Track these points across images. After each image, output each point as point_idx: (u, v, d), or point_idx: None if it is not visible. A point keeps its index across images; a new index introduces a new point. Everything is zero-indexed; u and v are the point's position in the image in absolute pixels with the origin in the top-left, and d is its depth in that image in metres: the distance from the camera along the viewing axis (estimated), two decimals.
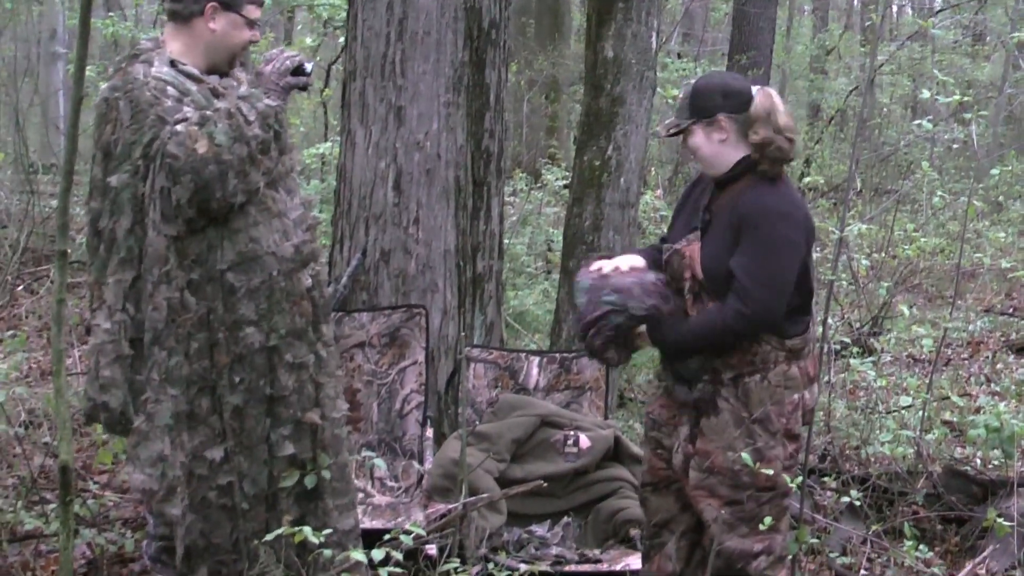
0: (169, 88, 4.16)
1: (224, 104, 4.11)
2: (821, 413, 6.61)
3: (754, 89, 4.26)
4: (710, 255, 4.19)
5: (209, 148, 4.00)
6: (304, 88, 4.29)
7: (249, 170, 4.06)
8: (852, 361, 7.23)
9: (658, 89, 7.97)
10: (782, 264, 4.13)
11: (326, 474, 4.33)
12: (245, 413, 4.19)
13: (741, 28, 14.45)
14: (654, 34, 6.95)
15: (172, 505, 4.24)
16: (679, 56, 19.89)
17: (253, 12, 4.30)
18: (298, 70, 4.20)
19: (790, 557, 4.63)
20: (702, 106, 4.23)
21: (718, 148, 4.24)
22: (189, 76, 4.25)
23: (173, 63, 4.26)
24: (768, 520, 4.22)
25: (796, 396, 4.26)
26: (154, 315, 4.17)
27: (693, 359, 4.27)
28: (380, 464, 4.79)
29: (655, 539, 4.56)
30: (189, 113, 4.09)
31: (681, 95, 4.31)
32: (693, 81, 4.31)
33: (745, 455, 4.14)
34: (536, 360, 6.15)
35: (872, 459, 6.53)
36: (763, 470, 4.16)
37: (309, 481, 4.30)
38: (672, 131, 4.30)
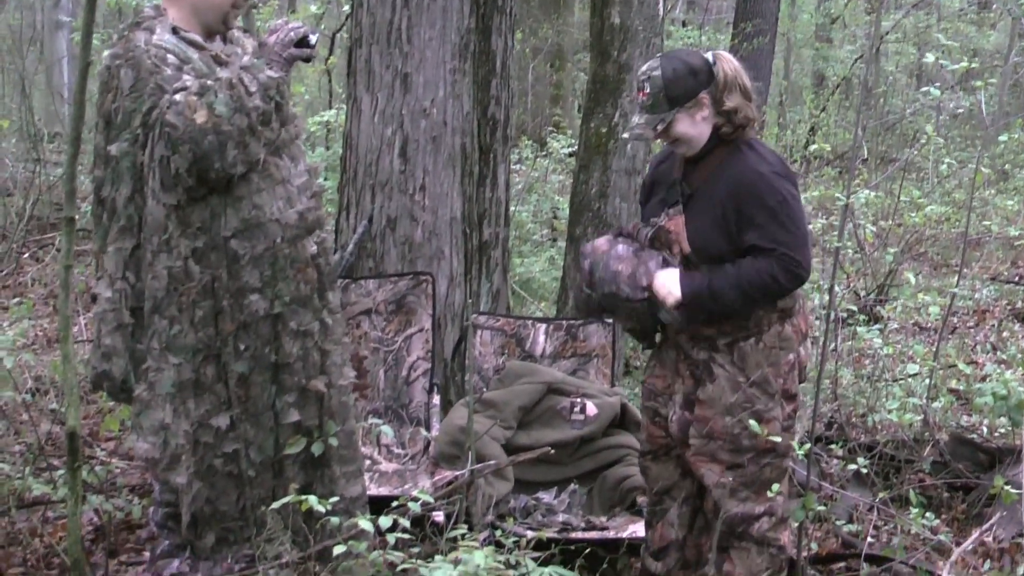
0: (170, 56, 4.15)
1: (226, 74, 4.08)
2: (828, 381, 6.61)
3: (709, 56, 4.26)
4: (697, 229, 4.21)
5: (208, 118, 3.98)
6: (308, 60, 4.25)
7: (249, 141, 4.04)
8: (859, 329, 7.22)
9: None
10: (801, 218, 4.17)
11: (333, 441, 4.33)
12: (250, 381, 4.20)
13: None
14: (660, 1, 6.92)
15: (177, 473, 4.24)
16: (684, 24, 19.83)
17: None
18: (302, 42, 4.17)
19: (796, 524, 4.64)
20: (680, 93, 4.19)
21: (702, 127, 4.23)
22: (191, 43, 4.24)
23: (175, 30, 4.25)
24: (775, 487, 4.24)
25: (791, 355, 4.28)
26: (154, 284, 4.18)
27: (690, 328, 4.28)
28: (387, 431, 4.78)
29: (657, 506, 4.58)
30: (189, 82, 4.07)
31: (645, 92, 4.22)
32: (648, 76, 4.21)
33: (753, 423, 4.16)
34: (543, 327, 6.14)
35: (879, 427, 6.53)
36: (768, 436, 4.18)
37: (316, 448, 4.31)
38: (660, 130, 4.22)
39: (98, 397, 6.51)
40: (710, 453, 4.28)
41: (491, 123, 6.28)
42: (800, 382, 4.37)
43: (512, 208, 7.74)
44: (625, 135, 4.33)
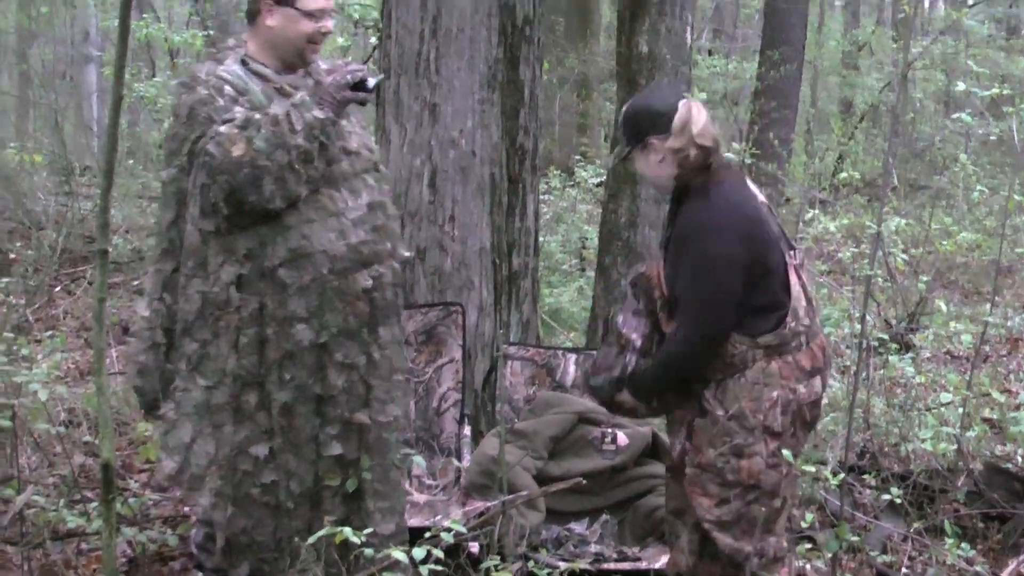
0: (227, 87, 4.21)
1: (275, 109, 4.12)
2: (860, 410, 6.57)
3: (680, 103, 4.25)
4: (667, 273, 4.24)
5: (246, 151, 4.03)
6: (363, 103, 4.26)
7: (288, 177, 4.07)
8: (890, 358, 7.18)
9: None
10: (718, 280, 4.12)
11: (367, 476, 4.34)
12: (294, 411, 4.22)
13: (772, 24, 14.42)
14: (688, 29, 6.93)
15: (200, 494, 4.28)
16: (710, 53, 19.85)
17: (310, 3, 4.26)
18: (359, 85, 4.18)
19: (830, 555, 4.61)
20: (634, 132, 4.25)
21: (657, 169, 4.26)
22: (258, 75, 4.27)
23: (244, 62, 4.30)
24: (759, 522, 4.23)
25: (776, 392, 4.21)
26: (186, 306, 4.24)
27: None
28: (419, 462, 4.78)
29: (672, 528, 4.56)
30: (237, 114, 4.11)
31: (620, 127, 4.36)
32: (623, 111, 4.35)
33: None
34: (572, 357, 6.14)
35: (912, 456, 6.49)
36: (759, 469, 4.20)
37: (351, 484, 4.31)
38: (616, 160, 4.42)
39: (132, 428, 6.53)
40: (701, 484, 4.27)
41: (520, 153, 6.28)
42: (811, 419, 4.34)
43: (541, 238, 7.75)
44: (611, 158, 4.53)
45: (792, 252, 4.29)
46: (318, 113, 4.11)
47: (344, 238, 4.20)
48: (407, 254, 4.63)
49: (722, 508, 4.24)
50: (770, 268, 4.19)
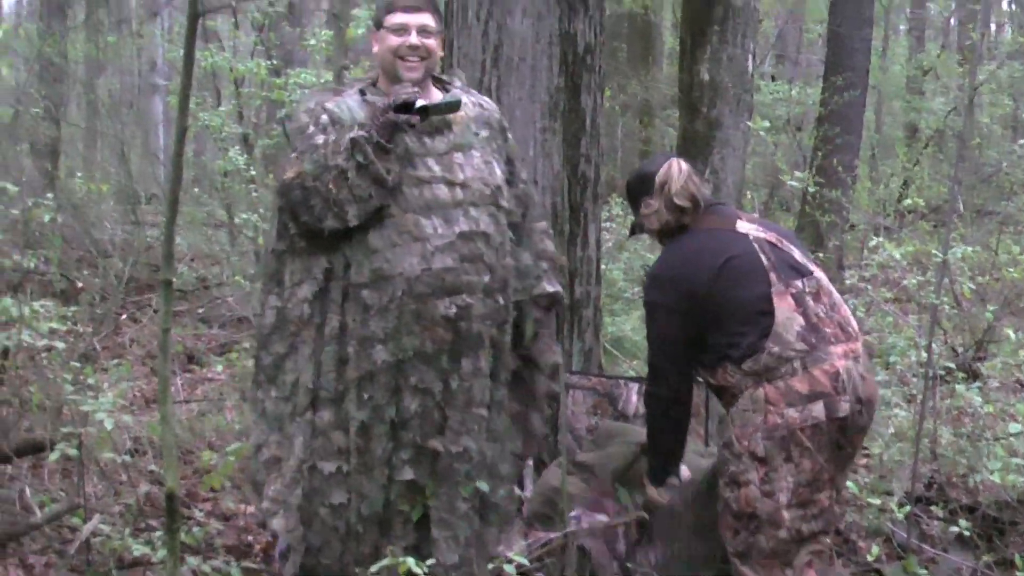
0: (324, 116, 4.37)
1: (332, 135, 4.22)
2: (927, 440, 6.50)
3: (663, 165, 4.57)
4: None
5: (297, 174, 4.20)
6: (410, 125, 4.27)
7: (337, 197, 4.14)
8: (957, 387, 7.10)
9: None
10: (657, 328, 4.50)
11: (434, 504, 4.35)
12: (370, 432, 4.27)
13: (836, 49, 14.31)
14: (750, 56, 6.92)
15: (264, 503, 4.43)
16: (773, 78, 19.77)
17: (393, 19, 4.42)
18: (404, 106, 4.20)
19: None
20: (632, 198, 4.64)
21: (654, 228, 4.60)
22: (372, 104, 4.37)
23: (362, 92, 4.45)
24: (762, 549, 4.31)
25: (760, 417, 4.26)
26: (263, 321, 4.41)
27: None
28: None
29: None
30: (318, 140, 4.20)
31: None
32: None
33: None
34: (635, 387, 6.10)
35: (981, 487, 6.40)
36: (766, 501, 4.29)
37: (415, 511, 4.33)
38: (632, 232, 4.82)
39: (197, 457, 6.58)
40: (721, 515, 4.42)
41: (581, 181, 6.27)
42: (842, 443, 4.33)
43: (603, 266, 7.73)
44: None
45: (799, 280, 4.37)
46: (361, 133, 4.18)
47: (426, 264, 4.25)
48: (550, 289, 4.72)
49: (736, 538, 4.35)
50: (730, 304, 4.34)
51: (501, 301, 4.43)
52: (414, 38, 4.38)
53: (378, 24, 4.47)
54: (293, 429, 4.36)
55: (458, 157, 4.41)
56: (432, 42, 4.44)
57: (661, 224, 4.53)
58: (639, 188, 4.58)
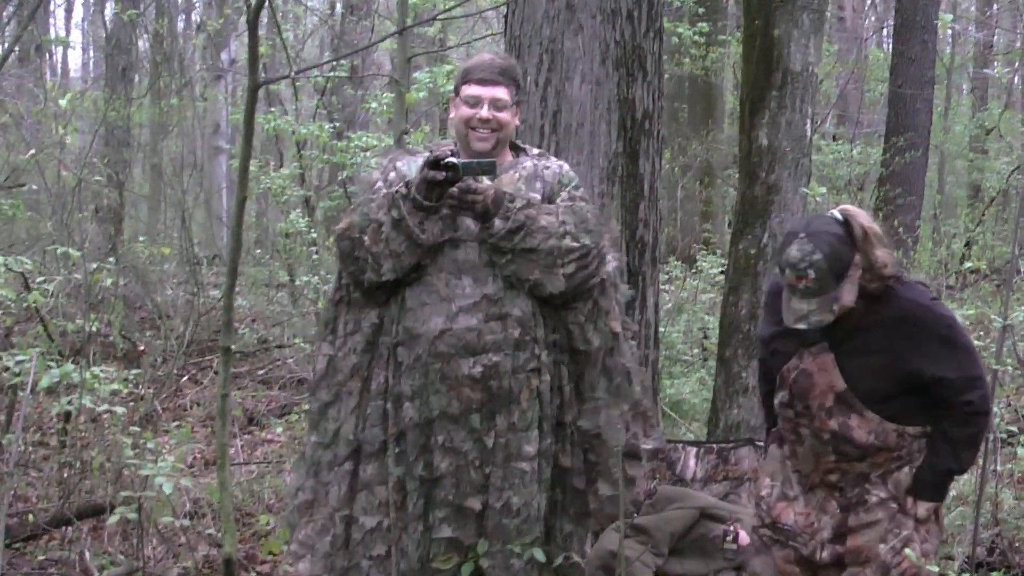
0: (392, 174, 4.46)
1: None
2: (988, 504, 6.42)
3: (838, 214, 4.15)
4: (860, 368, 4.16)
5: (348, 225, 4.30)
6: (442, 183, 4.24)
7: (375, 249, 4.20)
8: (1019, 450, 7.01)
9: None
10: (967, 339, 4.21)
11: (485, 562, 4.34)
12: (406, 488, 4.28)
13: (897, 110, 14.29)
14: (808, 121, 6.91)
15: (300, 529, 4.45)
16: (835, 138, 19.72)
17: (468, 90, 4.43)
18: (436, 163, 4.21)
19: None
20: (844, 266, 4.04)
21: (856, 289, 4.09)
22: None
23: (431, 152, 4.47)
24: None
25: None
26: (315, 367, 4.48)
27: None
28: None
29: None
30: (379, 195, 4.35)
31: (809, 279, 4.02)
32: (809, 262, 4.00)
33: (910, 551, 4.08)
34: (693, 451, 6.08)
35: None
36: (927, 564, 4.13)
37: (465, 569, 4.32)
38: (836, 311, 4.08)
39: (255, 520, 6.60)
40: None
41: (640, 246, 6.28)
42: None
43: (662, 328, 7.72)
44: (797, 325, 4.08)
45: None
46: (400, 188, 4.25)
47: (448, 324, 4.26)
48: (595, 344, 4.53)
49: None
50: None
51: (535, 352, 4.40)
52: (485, 111, 4.40)
53: (456, 91, 4.51)
54: (330, 477, 4.41)
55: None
56: (504, 115, 4.45)
57: (885, 272, 4.16)
58: (848, 250, 4.06)
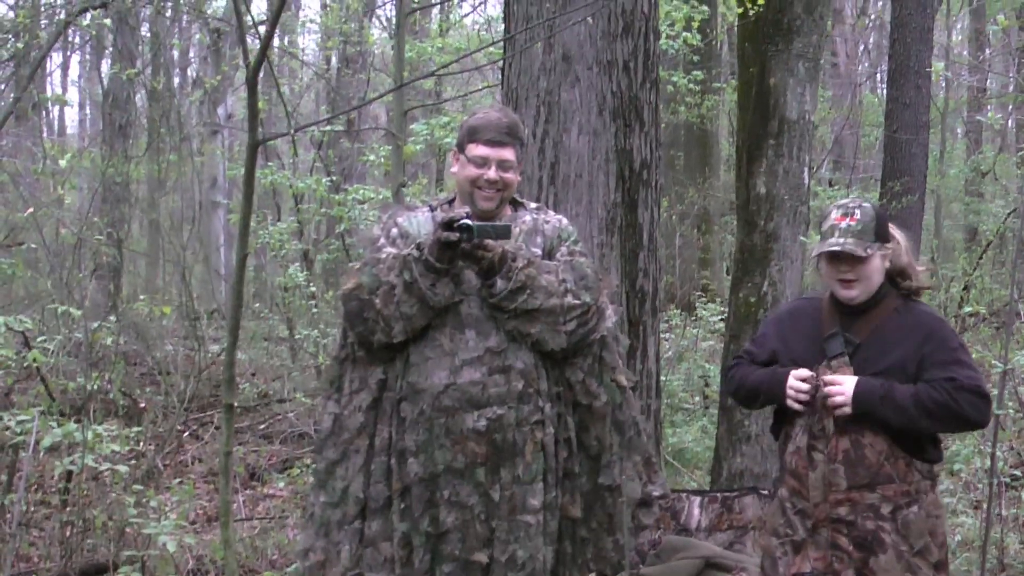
0: (394, 230, 4.45)
1: (394, 250, 4.31)
2: (994, 548, 6.40)
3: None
4: (881, 374, 4.16)
5: (356, 285, 4.28)
6: (453, 243, 4.24)
7: (387, 311, 4.19)
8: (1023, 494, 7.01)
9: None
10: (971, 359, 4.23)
11: None
12: (412, 543, 4.27)
13: (893, 154, 14.31)
14: (806, 169, 6.93)
15: None
16: (831, 184, 19.78)
17: (475, 150, 4.41)
18: (450, 224, 4.20)
19: None
20: (884, 232, 4.23)
21: (881, 275, 4.24)
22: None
23: (432, 208, 4.52)
24: None
25: (942, 525, 4.24)
26: (320, 426, 4.47)
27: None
28: None
29: None
30: (383, 254, 4.32)
31: (855, 217, 4.19)
32: (859, 205, 4.22)
33: None
34: (697, 500, 6.06)
35: None
36: None
37: None
38: (869, 254, 4.17)
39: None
40: None
41: (639, 296, 6.28)
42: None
43: (663, 377, 7.71)
44: (828, 248, 4.18)
45: None
46: (412, 250, 4.23)
47: (452, 378, 4.26)
48: (603, 400, 4.54)
49: None
50: None
51: (539, 404, 4.40)
52: (492, 173, 4.39)
53: (460, 147, 4.49)
54: (340, 536, 4.39)
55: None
56: (510, 175, 4.45)
57: (917, 283, 4.35)
58: (887, 231, 4.26)
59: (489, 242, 4.22)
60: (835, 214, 4.23)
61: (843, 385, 4.14)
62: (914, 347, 4.15)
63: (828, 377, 4.17)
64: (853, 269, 4.21)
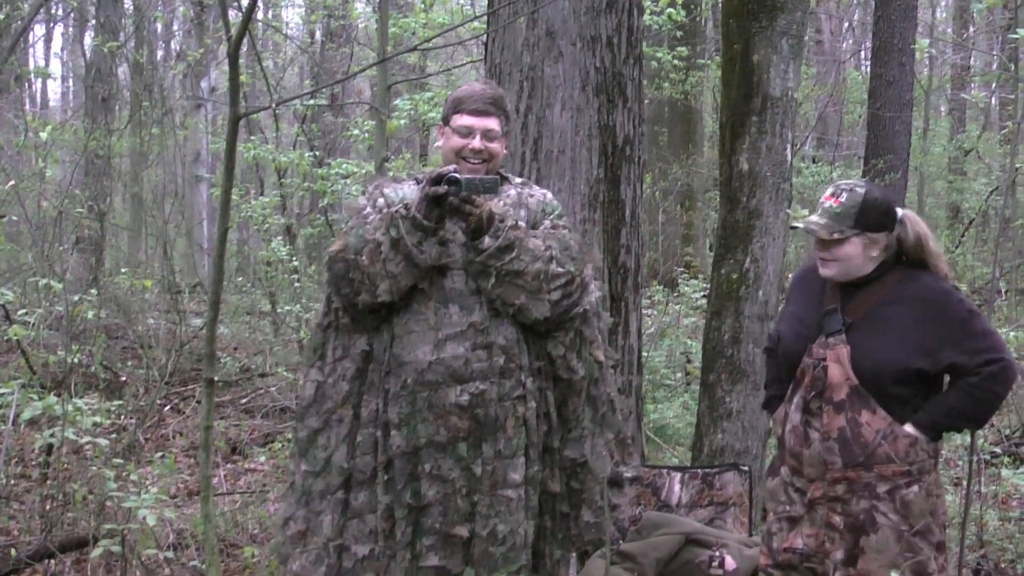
0: (380, 200, 4.44)
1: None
2: (973, 526, 6.43)
3: (899, 212, 4.27)
4: (868, 354, 4.17)
5: (342, 247, 4.27)
6: (442, 197, 4.22)
7: (372, 270, 4.19)
8: (1003, 471, 7.03)
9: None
10: (991, 327, 4.24)
11: None
12: (394, 516, 4.27)
13: (876, 132, 14.33)
14: (788, 146, 6.92)
15: (294, 559, 4.41)
16: (815, 160, 19.80)
17: (460, 120, 4.43)
18: (438, 178, 4.20)
19: None
20: (870, 221, 4.19)
21: (866, 262, 4.23)
22: None
23: (418, 180, 4.51)
24: None
25: (942, 506, 4.23)
26: (303, 394, 4.45)
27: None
28: None
29: None
30: (370, 220, 4.32)
31: (839, 200, 4.20)
32: (851, 188, 4.22)
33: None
34: (678, 476, 6.08)
35: None
36: None
37: None
38: (834, 239, 4.19)
39: (240, 551, 6.57)
40: None
41: (622, 271, 6.28)
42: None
43: (645, 353, 7.71)
44: (797, 224, 4.27)
45: None
46: (400, 208, 4.23)
47: (436, 353, 4.26)
48: (580, 374, 4.56)
49: None
50: None
51: (521, 379, 4.40)
52: (478, 142, 4.41)
53: (445, 120, 4.52)
54: (323, 506, 4.39)
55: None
56: (495, 145, 4.47)
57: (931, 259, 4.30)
58: (884, 221, 4.22)
59: (477, 199, 4.22)
60: (827, 192, 4.26)
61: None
62: (915, 323, 4.14)
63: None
64: (826, 249, 4.24)
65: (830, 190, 4.25)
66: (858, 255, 4.21)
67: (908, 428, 4.14)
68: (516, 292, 4.29)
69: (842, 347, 4.20)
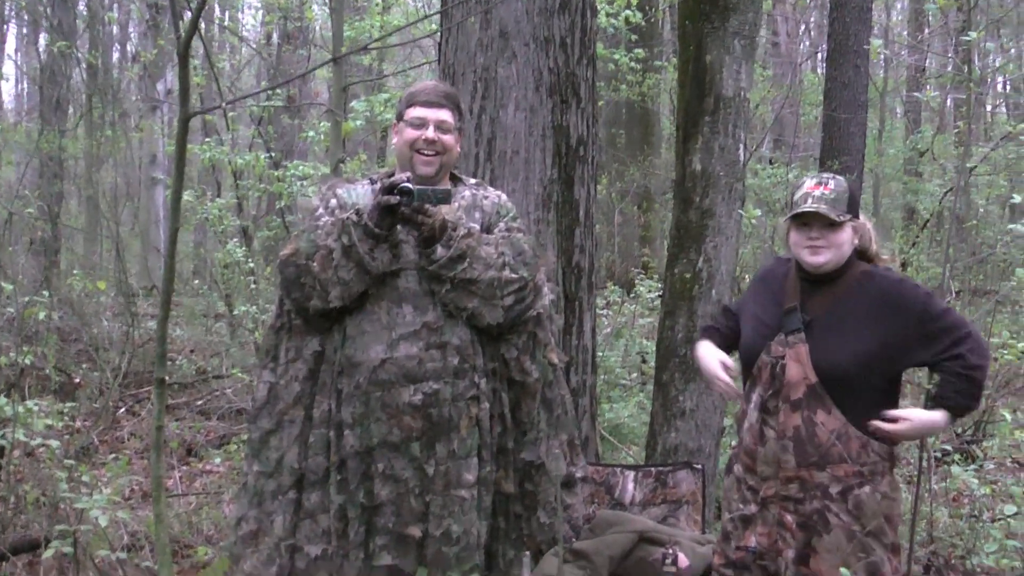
0: (333, 201, 4.46)
1: (332, 217, 4.31)
2: (924, 522, 6.48)
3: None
4: (828, 350, 4.18)
5: (293, 251, 4.29)
6: (394, 207, 4.25)
7: (324, 276, 4.20)
8: (954, 468, 7.09)
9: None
10: (949, 308, 4.24)
11: None
12: (347, 516, 4.28)
13: (832, 133, 14.40)
14: (742, 146, 6.95)
15: (245, 560, 4.43)
16: (771, 162, 19.88)
17: (412, 112, 4.48)
18: (391, 188, 4.22)
19: None
20: (855, 207, 4.27)
21: (849, 248, 4.28)
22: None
23: (372, 181, 4.54)
24: None
25: (898, 508, 4.23)
26: (256, 395, 4.48)
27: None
28: None
29: None
30: (322, 222, 4.32)
31: (828, 187, 4.25)
32: (833, 177, 4.30)
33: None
34: (632, 475, 6.09)
35: (978, 570, 6.37)
36: None
37: None
38: (841, 220, 4.21)
39: (193, 552, 6.55)
40: None
41: (576, 271, 6.31)
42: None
43: (600, 352, 7.72)
44: (805, 209, 4.21)
45: None
46: (351, 215, 4.24)
47: (389, 352, 4.27)
48: (535, 376, 4.59)
49: None
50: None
51: (475, 380, 4.42)
52: (431, 132, 4.44)
53: (399, 117, 4.54)
54: (274, 506, 4.39)
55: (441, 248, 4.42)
56: (449, 138, 4.49)
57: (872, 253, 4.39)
58: (857, 210, 4.31)
59: (430, 208, 4.24)
60: (809, 183, 4.30)
61: (910, 422, 4.12)
62: (874, 319, 4.15)
63: (893, 413, 4.14)
64: (824, 236, 4.24)
65: (814, 180, 4.29)
66: (849, 241, 4.27)
67: (939, 415, 4.11)
68: (469, 298, 4.31)
69: (801, 345, 4.22)
